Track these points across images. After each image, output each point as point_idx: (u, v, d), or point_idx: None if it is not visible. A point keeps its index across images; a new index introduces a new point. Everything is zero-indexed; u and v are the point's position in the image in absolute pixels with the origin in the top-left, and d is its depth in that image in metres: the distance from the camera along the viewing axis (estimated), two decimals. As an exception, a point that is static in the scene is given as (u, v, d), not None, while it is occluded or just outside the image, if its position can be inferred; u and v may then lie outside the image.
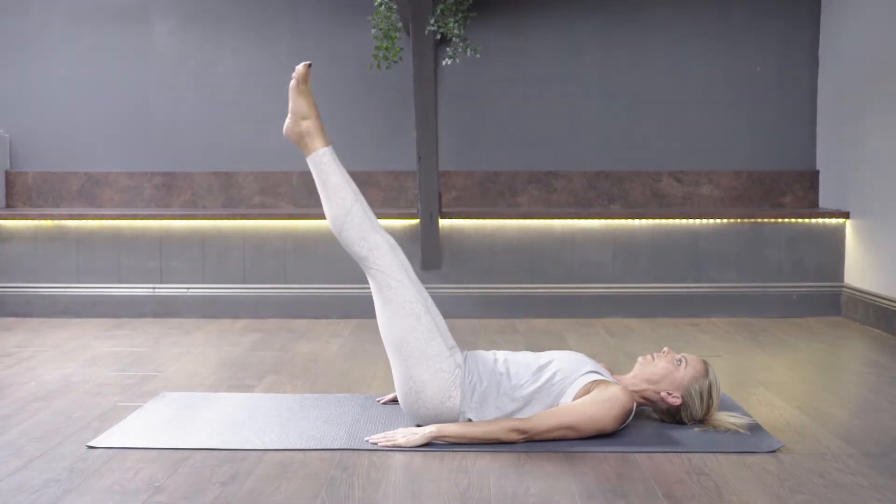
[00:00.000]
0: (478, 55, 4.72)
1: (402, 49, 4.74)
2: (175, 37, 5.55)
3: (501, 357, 3.03)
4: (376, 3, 4.60)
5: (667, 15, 5.52)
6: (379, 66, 4.73)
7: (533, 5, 5.48)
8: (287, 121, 3.06)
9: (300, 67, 3.04)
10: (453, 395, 2.91)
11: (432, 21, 4.56)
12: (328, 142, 3.03)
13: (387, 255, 2.96)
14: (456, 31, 4.53)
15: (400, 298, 2.94)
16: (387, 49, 4.66)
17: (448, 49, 4.70)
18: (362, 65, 5.19)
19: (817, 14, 5.48)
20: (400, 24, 4.71)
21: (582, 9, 5.51)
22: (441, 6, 4.54)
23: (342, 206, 2.97)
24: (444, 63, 4.76)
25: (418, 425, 2.96)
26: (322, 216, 5.17)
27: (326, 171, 2.99)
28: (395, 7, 4.61)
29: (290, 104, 3.04)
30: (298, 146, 3.06)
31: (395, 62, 4.75)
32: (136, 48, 5.54)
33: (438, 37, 4.94)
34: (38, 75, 5.56)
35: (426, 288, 3.08)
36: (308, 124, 3.02)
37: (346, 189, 2.98)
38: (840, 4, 5.27)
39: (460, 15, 4.53)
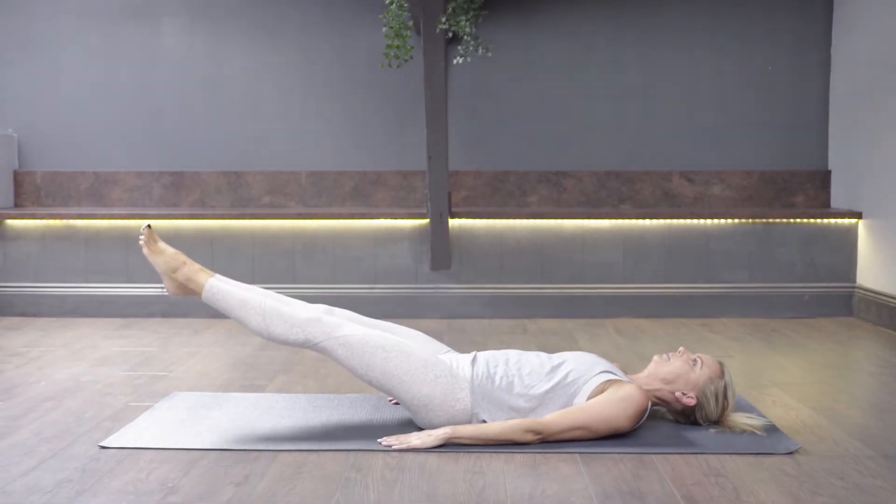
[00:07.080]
0: (489, 54, 4.69)
1: (412, 47, 4.72)
2: (184, 35, 5.53)
3: (514, 357, 3.01)
4: (387, 1, 4.58)
5: (678, 14, 5.49)
6: (390, 65, 4.72)
7: (544, 4, 5.46)
8: (164, 284, 2.99)
9: (144, 230, 2.97)
10: (460, 396, 2.89)
11: (444, 19, 4.54)
12: (210, 272, 2.97)
13: (320, 326, 2.91)
14: (467, 30, 4.51)
15: (357, 347, 2.89)
16: (398, 47, 4.64)
17: (459, 47, 4.68)
18: (373, 63, 5.18)
19: (830, 13, 5.45)
20: (411, 22, 4.70)
21: (593, 7, 5.48)
22: (452, 4, 4.52)
23: (256, 313, 2.90)
24: (454, 61, 4.74)
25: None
26: (331, 216, 5.20)
27: (224, 297, 2.93)
28: (406, 5, 4.59)
29: (155, 268, 2.98)
30: (192, 295, 2.98)
31: (406, 60, 4.73)
32: (145, 47, 5.53)
33: (449, 35, 4.92)
34: (46, 74, 5.55)
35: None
36: (183, 272, 2.96)
37: (249, 296, 2.92)
38: (853, 3, 5.24)
39: (472, 13, 4.51)
